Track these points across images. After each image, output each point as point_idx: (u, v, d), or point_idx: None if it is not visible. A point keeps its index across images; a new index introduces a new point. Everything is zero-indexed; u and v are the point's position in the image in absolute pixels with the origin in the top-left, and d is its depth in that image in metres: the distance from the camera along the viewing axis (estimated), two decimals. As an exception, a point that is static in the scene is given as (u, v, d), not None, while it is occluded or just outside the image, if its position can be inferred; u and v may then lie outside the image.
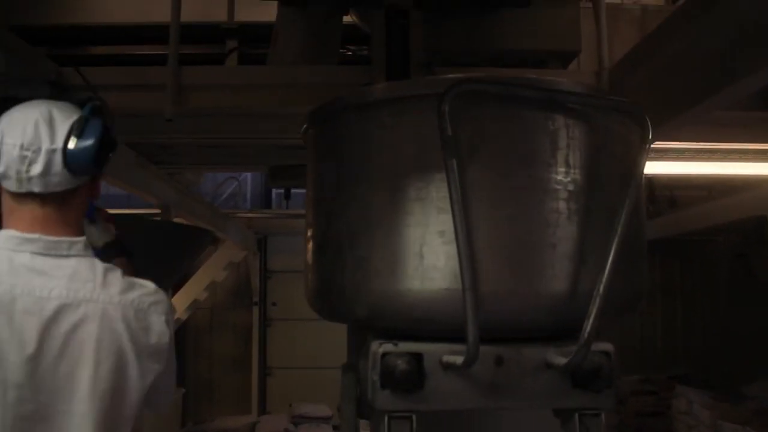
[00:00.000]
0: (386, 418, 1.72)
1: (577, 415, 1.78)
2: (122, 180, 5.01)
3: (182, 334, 11.17)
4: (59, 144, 1.91)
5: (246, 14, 5.28)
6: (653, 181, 8.08)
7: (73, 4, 5.25)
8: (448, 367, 1.71)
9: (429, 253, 1.74)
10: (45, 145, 1.89)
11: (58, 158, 1.90)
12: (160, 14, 4.94)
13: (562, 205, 1.75)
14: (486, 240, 1.71)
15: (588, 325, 1.66)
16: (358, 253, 1.84)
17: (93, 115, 2.01)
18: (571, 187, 1.76)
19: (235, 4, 5.28)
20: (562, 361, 1.72)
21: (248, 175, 12.41)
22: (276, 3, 3.87)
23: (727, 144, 4.74)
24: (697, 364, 10.56)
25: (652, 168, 5.56)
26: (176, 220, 6.08)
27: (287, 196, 9.80)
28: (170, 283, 2.94)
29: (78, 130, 1.93)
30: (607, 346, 1.79)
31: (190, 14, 4.31)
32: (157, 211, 6.36)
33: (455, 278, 1.65)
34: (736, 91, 2.77)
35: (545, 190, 1.76)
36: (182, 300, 9.51)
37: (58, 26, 5.16)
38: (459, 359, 1.67)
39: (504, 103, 1.76)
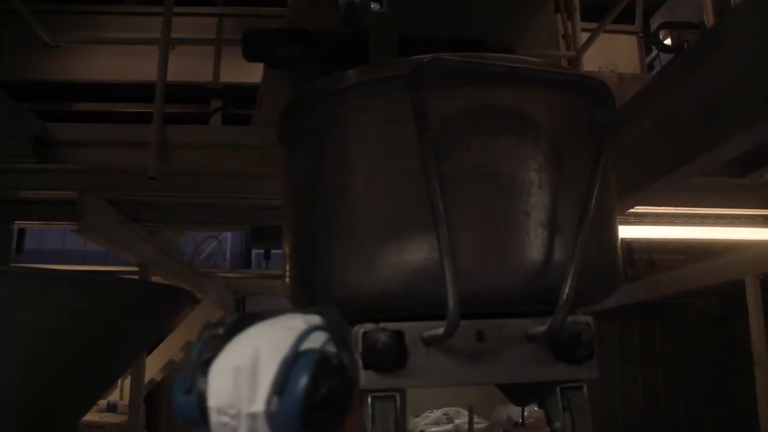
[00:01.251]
0: (369, 398, 1.72)
1: (558, 389, 1.79)
2: (101, 237, 4.96)
3: (157, 395, 10.89)
4: (260, 405, 1.29)
5: (231, 75, 5.36)
6: (632, 244, 8.15)
7: (60, 61, 5.31)
8: (429, 342, 1.74)
9: (406, 225, 1.78)
10: (244, 408, 1.30)
11: (261, 426, 1.29)
12: (146, 73, 5.01)
13: (533, 176, 1.79)
14: (461, 212, 1.75)
15: (566, 288, 1.68)
16: (336, 233, 1.86)
17: (303, 354, 1.31)
18: (540, 158, 1.81)
19: (221, 65, 5.36)
20: (541, 329, 1.74)
21: (228, 234, 12.37)
22: (262, 65, 3.93)
23: (705, 209, 4.81)
24: (679, 430, 10.44)
25: (631, 232, 5.61)
26: (154, 278, 6.00)
27: (267, 256, 9.77)
28: (149, 344, 2.88)
29: (278, 383, 1.28)
30: (587, 318, 1.82)
31: (176, 74, 4.37)
32: (135, 268, 6.29)
33: (432, 248, 1.67)
34: (712, 159, 2.83)
35: (516, 161, 1.81)
36: (157, 360, 9.32)
37: (44, 82, 5.20)
38: (440, 331, 1.67)
39: (472, 79, 1.83)
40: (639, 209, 4.56)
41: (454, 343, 1.75)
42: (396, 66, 1.97)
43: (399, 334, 1.76)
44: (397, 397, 1.74)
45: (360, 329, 1.75)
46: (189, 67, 5.21)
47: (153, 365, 9.03)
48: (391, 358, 1.73)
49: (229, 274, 10.72)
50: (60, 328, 2.36)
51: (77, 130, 4.35)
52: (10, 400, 2.52)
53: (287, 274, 2.05)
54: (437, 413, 10.04)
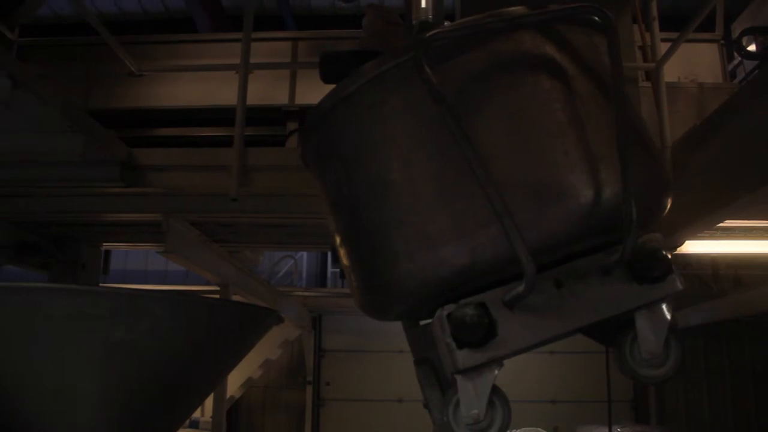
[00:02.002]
0: (471, 375, 1.71)
1: (643, 311, 1.77)
2: (184, 257, 5.11)
3: (236, 412, 11.11)
4: None
5: (306, 97, 5.45)
6: (716, 260, 7.87)
7: (143, 89, 5.52)
8: (512, 304, 1.71)
9: (455, 198, 1.76)
10: None
11: None
12: (223, 98, 5.16)
13: (560, 115, 1.79)
14: (504, 170, 1.73)
15: (628, 210, 1.65)
16: (390, 228, 1.86)
17: None
18: (562, 96, 1.81)
19: (296, 87, 5.46)
20: (615, 257, 1.72)
21: (304, 253, 12.54)
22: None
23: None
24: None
25: (718, 247, 5.42)
26: (234, 297, 6.14)
27: (342, 275, 9.85)
28: (236, 362, 2.95)
29: None
30: (655, 235, 1.79)
31: (253, 97, 4.48)
32: (215, 288, 6.44)
33: (488, 213, 1.65)
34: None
35: (541, 106, 1.80)
36: (236, 377, 9.50)
37: (129, 109, 5.40)
38: (520, 289, 1.66)
39: (476, 43, 1.83)
40: (727, 224, 4.40)
41: (536, 298, 1.74)
42: (400, 52, 2.00)
43: (482, 305, 1.75)
44: (496, 369, 1.74)
45: (442, 312, 1.74)
46: (265, 90, 5.32)
47: (232, 383, 9.20)
48: (482, 329, 1.72)
49: (306, 293, 10.86)
50: (153, 346, 2.43)
51: (161, 155, 4.50)
52: (106, 417, 2.60)
53: (354, 285, 2.06)
54: (516, 433, 9.87)
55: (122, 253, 11.90)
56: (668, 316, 1.80)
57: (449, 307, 1.75)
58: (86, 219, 5.71)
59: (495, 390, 1.74)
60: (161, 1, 10.28)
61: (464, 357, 1.72)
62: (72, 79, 5.34)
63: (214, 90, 5.37)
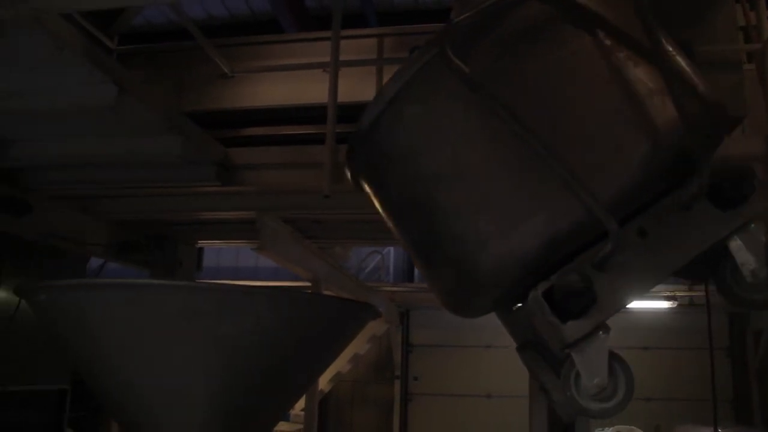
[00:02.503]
0: (583, 346, 1.67)
1: (736, 237, 1.71)
2: (277, 254, 5.21)
3: (325, 406, 11.27)
4: None
5: (393, 93, 5.46)
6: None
7: (234, 90, 5.65)
8: (603, 264, 1.68)
9: (522, 177, 1.77)
10: None
11: None
12: (311, 96, 5.22)
13: (600, 67, 1.78)
14: (560, 135, 1.74)
15: (695, 141, 1.64)
16: (468, 223, 1.84)
17: None
18: (597, 48, 1.80)
19: (383, 84, 5.47)
20: (692, 191, 1.69)
21: (391, 249, 12.59)
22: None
23: None
24: None
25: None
26: (325, 293, 6.22)
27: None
28: (335, 356, 2.99)
29: None
30: (727, 163, 1.77)
31: (341, 95, 4.52)
32: (304, 283, 6.55)
33: (557, 183, 1.67)
34: None
35: (578, 63, 1.80)
36: (326, 372, 9.62)
37: (222, 111, 5.54)
38: (607, 247, 1.65)
39: (505, 18, 1.86)
40: None
41: (624, 253, 1.70)
42: (424, 51, 1.96)
43: (575, 274, 1.72)
44: (606, 334, 1.72)
45: (536, 292, 1.72)
46: (353, 87, 5.36)
47: (322, 377, 9.35)
48: (583, 297, 1.69)
49: (394, 288, 10.91)
50: (258, 340, 2.49)
51: (255, 154, 4.61)
52: (213, 409, 2.68)
53: (439, 288, 2.05)
54: (609, 431, 9.62)
55: (214, 250, 12.26)
56: (762, 236, 1.72)
57: (543, 285, 1.72)
58: (183, 218, 5.91)
59: (611, 355, 1.72)
60: (247, 5, 10.52)
61: (571, 330, 1.69)
62: (166, 83, 5.52)
63: (302, 88, 5.44)
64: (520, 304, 1.86)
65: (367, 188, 2.20)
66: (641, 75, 1.77)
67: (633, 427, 9.67)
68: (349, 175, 2.24)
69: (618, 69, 1.78)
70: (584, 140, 1.78)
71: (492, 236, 1.81)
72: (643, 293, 1.78)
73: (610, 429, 9.61)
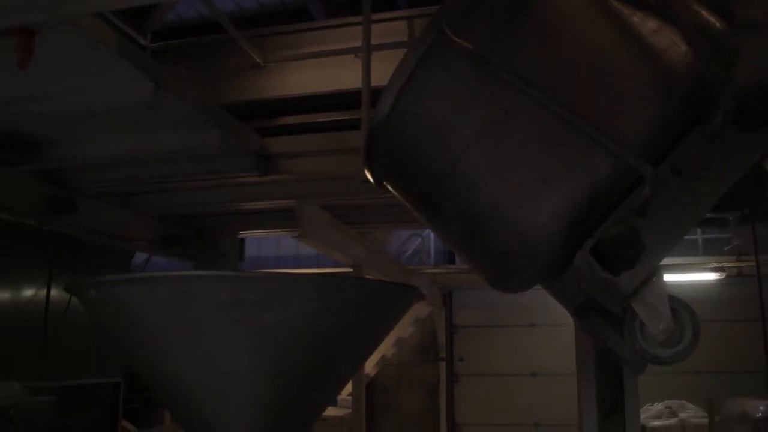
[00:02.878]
0: (642, 294, 1.67)
1: None
2: (318, 240, 5.24)
3: (371, 390, 11.36)
4: None
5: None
6: None
7: (267, 79, 5.68)
8: (643, 209, 1.66)
9: (554, 144, 1.76)
10: None
11: None
12: (343, 82, 5.22)
13: (601, 19, 1.78)
14: (580, 99, 1.72)
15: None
16: (505, 197, 1.81)
17: None
18: (591, 6, 1.80)
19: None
20: (717, 120, 1.64)
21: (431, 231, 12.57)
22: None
23: None
24: None
25: None
26: (367, 277, 6.24)
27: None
28: (381, 340, 3.00)
29: None
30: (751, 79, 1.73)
31: (374, 79, 4.51)
32: (346, 269, 6.58)
33: (588, 144, 1.66)
34: None
35: (577, 27, 1.79)
36: (371, 356, 9.69)
37: (256, 101, 5.58)
38: (645, 191, 1.63)
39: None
40: None
41: (663, 194, 1.68)
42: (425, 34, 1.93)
43: (619, 225, 1.71)
44: (661, 278, 1.71)
45: (584, 251, 1.70)
46: (385, 71, 5.32)
47: (368, 361, 9.41)
48: (632, 246, 1.69)
49: (436, 270, 10.90)
50: (305, 327, 2.50)
51: (292, 142, 4.63)
52: (261, 398, 2.71)
53: (484, 266, 2.03)
54: (659, 406, 9.50)
55: (255, 240, 12.38)
56: None
57: (588, 243, 1.70)
58: (224, 209, 5.98)
59: (671, 298, 1.70)
60: (276, -6, 10.53)
61: (626, 281, 1.68)
62: (200, 77, 5.57)
63: (334, 75, 5.44)
64: (564, 272, 1.84)
65: (392, 186, 2.19)
66: (647, 17, 1.75)
67: (683, 401, 9.55)
68: (370, 176, 2.23)
69: (624, 13, 1.76)
70: (600, 90, 1.76)
71: (530, 204, 1.80)
72: (689, 230, 1.78)
73: (660, 404, 9.50)
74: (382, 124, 1.98)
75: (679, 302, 1.72)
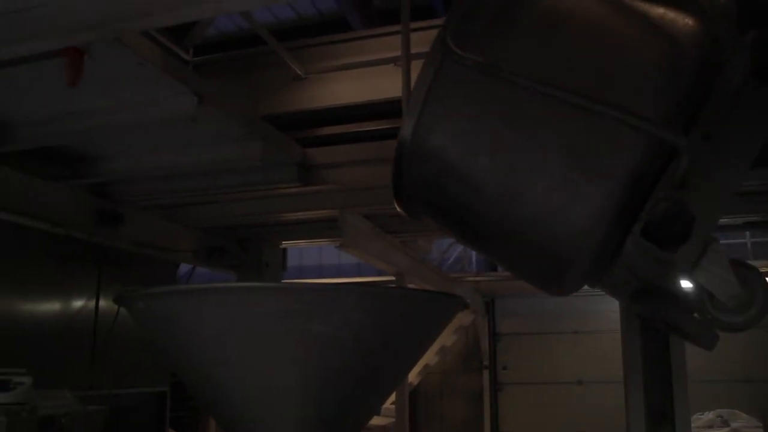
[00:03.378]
0: (702, 265, 1.66)
1: None
2: (360, 249, 5.26)
3: (414, 399, 11.32)
4: None
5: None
6: None
7: (307, 91, 5.73)
8: (684, 181, 1.66)
9: (583, 135, 1.76)
10: None
11: None
12: (382, 91, 5.24)
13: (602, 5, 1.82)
14: (593, 83, 1.75)
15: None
16: (545, 201, 1.82)
17: None
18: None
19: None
20: (736, 70, 1.65)
21: (472, 238, 12.49)
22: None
23: None
24: None
25: None
26: (409, 286, 6.24)
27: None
28: (425, 350, 3.00)
29: None
30: None
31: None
32: (387, 278, 6.58)
33: (613, 126, 1.69)
34: None
35: (580, 16, 1.81)
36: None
37: (297, 112, 5.63)
38: (683, 162, 1.65)
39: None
40: None
41: (699, 162, 1.67)
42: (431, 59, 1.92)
43: (663, 204, 1.69)
44: (719, 246, 1.68)
45: (635, 234, 1.69)
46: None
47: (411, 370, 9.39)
48: (681, 220, 1.67)
49: (478, 278, 10.84)
50: (350, 338, 2.51)
51: (333, 152, 4.66)
52: (307, 408, 2.73)
53: (527, 271, 2.01)
54: (709, 415, 9.27)
55: (297, 249, 12.48)
56: None
57: (637, 226, 1.69)
58: (267, 220, 6.05)
59: (733, 263, 1.69)
60: (314, 5, 10.64)
61: (684, 255, 1.66)
62: (241, 89, 5.64)
63: (374, 85, 5.46)
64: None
65: (423, 209, 2.18)
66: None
67: (735, 410, 9.31)
68: (401, 207, 2.23)
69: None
70: (617, 72, 1.76)
71: (572, 204, 1.79)
72: (731, 194, 1.76)
73: (711, 413, 9.27)
74: (407, 155, 1.98)
75: (743, 266, 1.70)
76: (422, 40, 5.76)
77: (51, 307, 5.85)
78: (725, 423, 9.14)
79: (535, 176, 1.80)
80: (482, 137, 1.86)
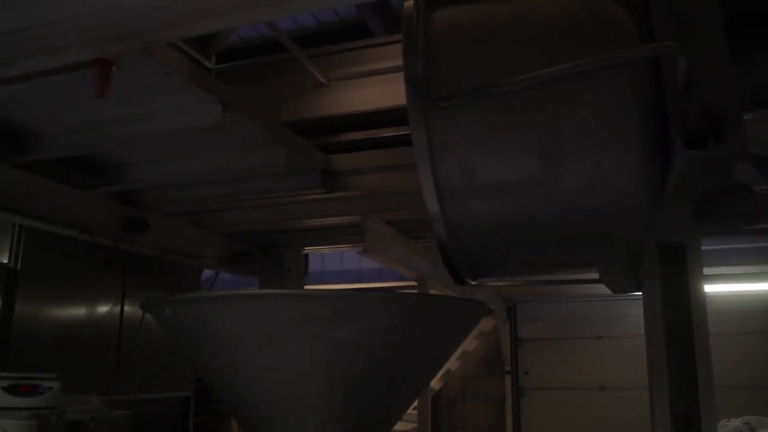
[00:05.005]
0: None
1: None
2: (383, 255, 5.27)
3: (436, 404, 11.30)
4: None
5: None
6: None
7: (329, 97, 5.77)
8: (689, 83, 1.69)
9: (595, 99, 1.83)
10: None
11: None
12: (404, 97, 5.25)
13: None
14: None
15: None
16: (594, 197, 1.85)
17: None
18: None
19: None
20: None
21: (493, 242, 12.45)
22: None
23: None
24: None
25: None
26: (431, 291, 6.24)
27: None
28: (450, 355, 3.01)
29: None
30: None
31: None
32: (409, 283, 6.58)
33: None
34: None
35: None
36: (436, 370, 9.66)
37: (319, 118, 5.67)
38: (681, 63, 1.71)
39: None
40: None
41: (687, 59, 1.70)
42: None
43: (685, 108, 1.74)
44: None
45: (683, 151, 1.70)
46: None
47: (433, 375, 9.38)
48: (707, 118, 1.69)
49: (499, 282, 10.79)
50: (372, 344, 2.53)
51: (356, 158, 4.69)
52: (332, 414, 2.75)
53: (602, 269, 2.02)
54: (737, 422, 9.12)
55: (319, 255, 12.51)
56: None
57: (678, 144, 1.69)
58: (289, 226, 6.08)
59: None
60: (335, 12, 10.68)
61: (733, 138, 1.66)
62: (264, 97, 5.69)
63: (396, 90, 5.45)
64: None
65: (489, 274, 2.21)
66: None
67: (764, 417, 9.17)
68: (467, 283, 2.23)
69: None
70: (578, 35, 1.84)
71: (605, 171, 1.80)
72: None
73: (738, 419, 9.14)
74: (451, 253, 1.97)
75: None
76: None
77: (78, 312, 5.93)
78: (753, 430, 8.99)
79: (566, 173, 1.81)
80: (503, 172, 1.86)
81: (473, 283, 2.22)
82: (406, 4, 1.95)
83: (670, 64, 1.64)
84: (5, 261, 5.44)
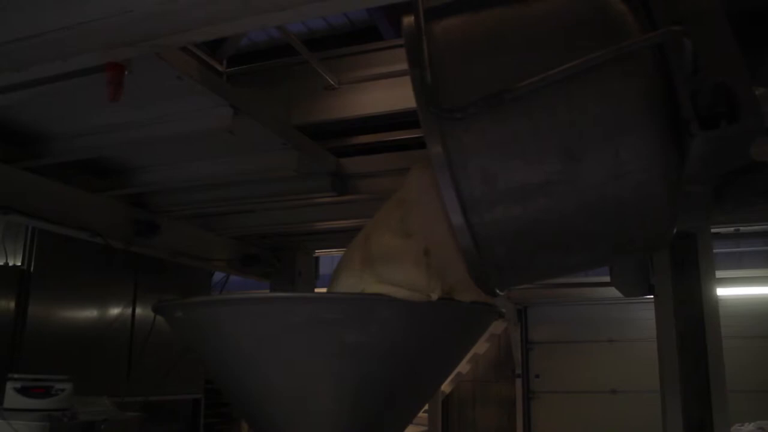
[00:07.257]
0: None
1: None
2: (393, 259, 5.25)
3: (447, 407, 11.29)
4: None
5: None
6: None
7: (339, 100, 5.77)
8: (697, 65, 1.71)
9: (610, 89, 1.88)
10: None
11: None
12: (413, 100, 5.25)
13: None
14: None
15: None
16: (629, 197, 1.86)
17: None
18: None
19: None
20: None
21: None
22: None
23: None
24: None
25: None
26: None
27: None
28: (461, 359, 3.01)
29: None
30: None
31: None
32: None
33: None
34: None
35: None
36: (447, 373, 9.65)
37: (330, 121, 5.68)
38: (687, 46, 1.75)
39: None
40: None
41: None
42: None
43: (704, 91, 1.76)
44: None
45: (699, 133, 1.69)
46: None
47: (443, 378, 9.37)
48: (720, 97, 1.69)
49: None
50: (383, 348, 2.53)
51: (367, 162, 4.69)
52: (342, 417, 2.75)
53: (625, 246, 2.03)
54: (749, 426, 9.08)
55: (329, 258, 12.53)
56: None
57: (693, 127, 1.69)
58: (300, 229, 6.09)
59: None
60: (345, 15, 10.70)
61: (748, 114, 1.67)
62: (275, 100, 5.70)
63: (407, 93, 5.44)
64: None
65: (517, 281, 2.21)
66: None
67: None
68: (496, 293, 2.23)
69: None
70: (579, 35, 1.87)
71: (624, 161, 1.80)
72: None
73: (751, 424, 9.08)
74: (479, 265, 1.97)
75: None
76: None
77: (90, 315, 5.97)
78: (766, 434, 8.96)
79: (586, 167, 1.81)
80: (525, 174, 1.86)
81: (501, 293, 2.22)
82: (406, 20, 1.95)
83: (677, 49, 1.66)
84: (18, 263, 5.49)
